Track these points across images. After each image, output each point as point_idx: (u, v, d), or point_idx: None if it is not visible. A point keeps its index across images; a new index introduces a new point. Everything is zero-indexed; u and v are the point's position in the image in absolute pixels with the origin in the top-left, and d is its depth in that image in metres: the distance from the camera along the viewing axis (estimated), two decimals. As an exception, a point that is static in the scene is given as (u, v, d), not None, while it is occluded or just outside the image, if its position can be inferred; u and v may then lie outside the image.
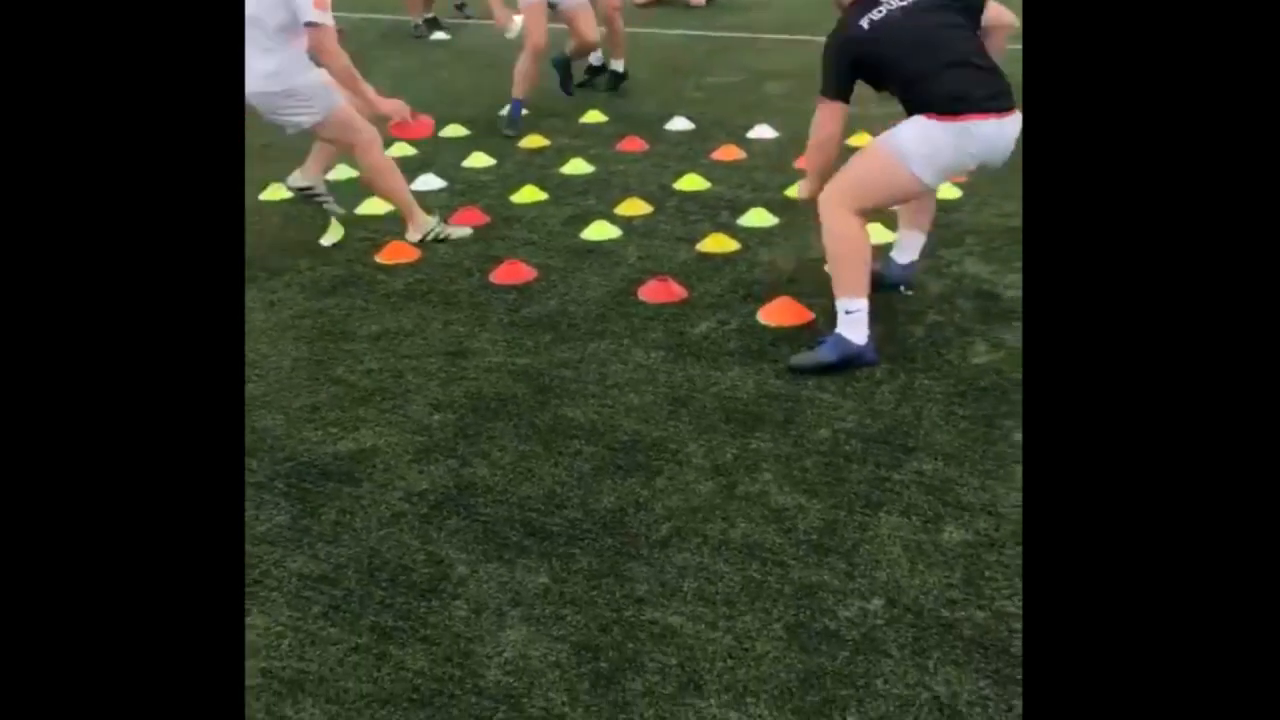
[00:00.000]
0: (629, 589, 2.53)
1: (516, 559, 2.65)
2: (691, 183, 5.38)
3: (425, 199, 5.39)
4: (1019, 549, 2.58)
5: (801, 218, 4.87)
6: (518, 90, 6.64)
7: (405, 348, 3.80)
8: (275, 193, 5.50)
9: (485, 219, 5.01)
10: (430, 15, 9.98)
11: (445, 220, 4.91)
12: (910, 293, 4.02)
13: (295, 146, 5.12)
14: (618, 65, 7.72)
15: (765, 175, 5.52)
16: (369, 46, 9.57)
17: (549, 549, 2.68)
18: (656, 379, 3.49)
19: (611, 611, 2.46)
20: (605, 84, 7.66)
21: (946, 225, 4.66)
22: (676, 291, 4.09)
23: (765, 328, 3.80)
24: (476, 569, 2.62)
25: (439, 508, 2.87)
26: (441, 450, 3.14)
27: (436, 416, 3.33)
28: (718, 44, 9.06)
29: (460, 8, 10.37)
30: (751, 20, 9.99)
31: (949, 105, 3.38)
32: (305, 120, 4.54)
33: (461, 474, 3.02)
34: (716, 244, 4.54)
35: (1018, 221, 4.53)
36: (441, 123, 6.74)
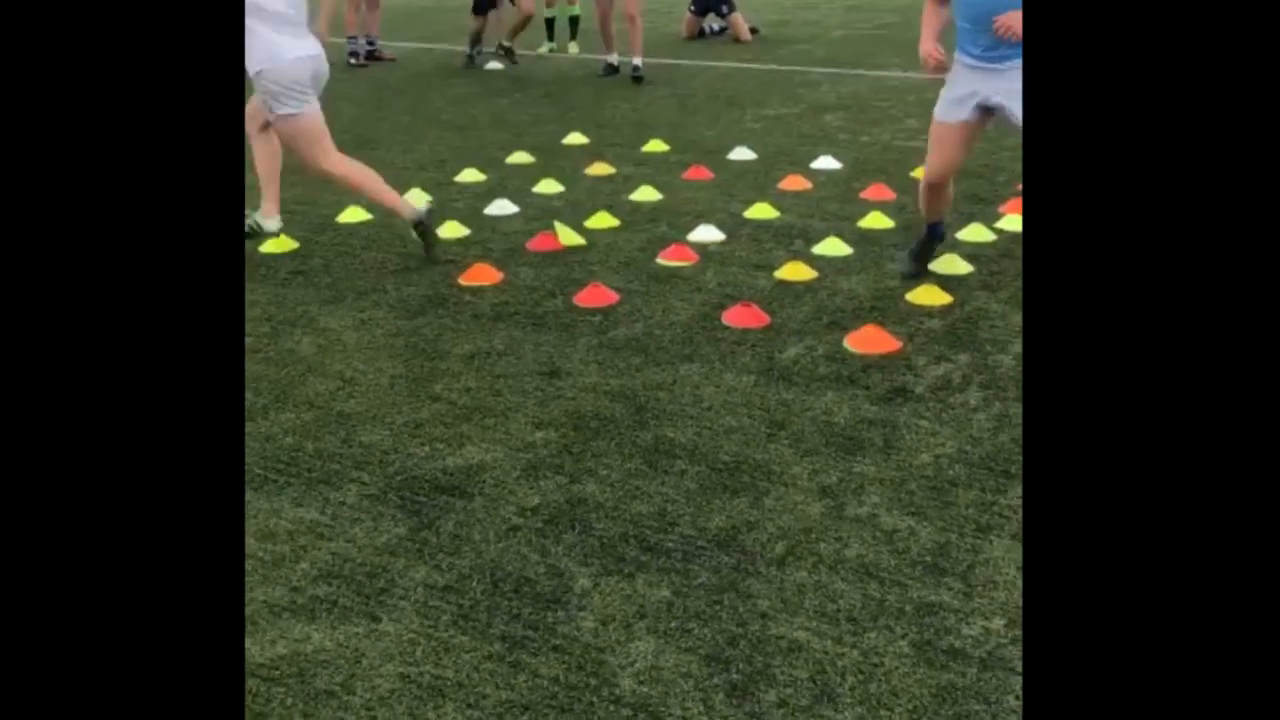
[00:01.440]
0: (751, 605, 2.59)
1: (636, 573, 2.72)
2: (762, 211, 5.47)
3: (499, 223, 5.51)
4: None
5: (875, 249, 4.95)
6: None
7: (499, 367, 3.88)
8: (353, 214, 5.62)
9: (560, 244, 5.10)
10: (508, 44, 10.07)
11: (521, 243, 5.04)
12: None
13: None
14: (637, 60, 9.15)
15: (835, 205, 5.61)
16: (426, 75, 9.75)
17: (667, 565, 2.75)
18: (751, 402, 3.56)
19: (736, 626, 2.52)
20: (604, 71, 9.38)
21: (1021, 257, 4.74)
22: (761, 317, 4.16)
23: (853, 354, 3.87)
24: (598, 582, 2.69)
25: (553, 522, 2.94)
26: (549, 467, 3.21)
27: (539, 434, 3.40)
28: (770, 77, 9.18)
29: (508, 52, 10.32)
30: (799, 54, 10.13)
31: None
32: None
33: (571, 490, 3.09)
34: (794, 272, 4.62)
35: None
36: (507, 149, 6.89)
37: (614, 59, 9.47)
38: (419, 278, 4.80)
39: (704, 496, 3.04)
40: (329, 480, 3.19)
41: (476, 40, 10.04)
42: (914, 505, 2.96)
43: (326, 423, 3.53)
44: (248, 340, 4.17)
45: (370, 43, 10.28)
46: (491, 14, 9.98)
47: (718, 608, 2.58)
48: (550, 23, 10.71)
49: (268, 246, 5.21)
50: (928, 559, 2.74)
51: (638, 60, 9.15)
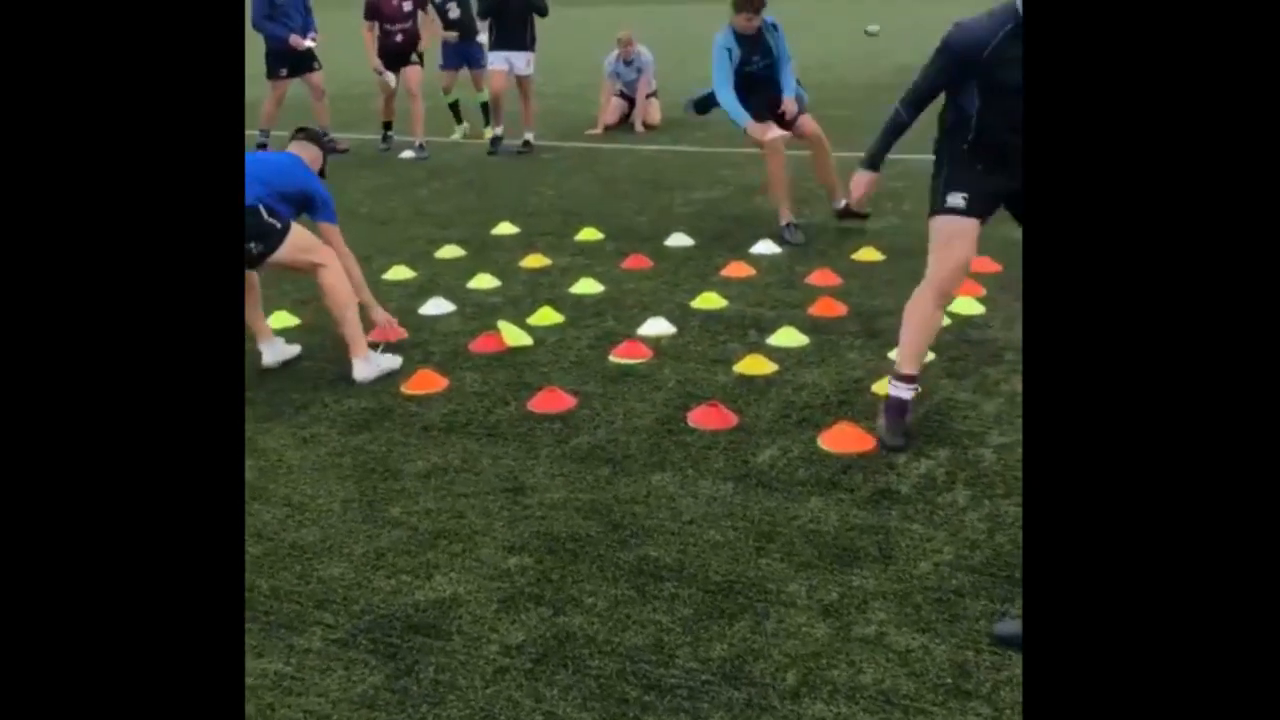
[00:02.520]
0: (772, 747, 2.40)
1: (642, 716, 2.51)
2: (709, 301, 5.35)
3: (436, 323, 5.31)
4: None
5: (831, 337, 4.86)
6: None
7: (459, 485, 3.66)
8: (280, 319, 5.36)
9: (505, 345, 4.91)
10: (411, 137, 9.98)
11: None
12: None
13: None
14: (529, 135, 9.82)
15: (781, 292, 5.53)
16: (337, 166, 9.53)
17: (674, 704, 2.54)
18: (733, 513, 3.39)
19: (761, 774, 2.33)
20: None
21: (981, 343, 4.68)
22: (728, 417, 4.02)
23: (829, 454, 3.74)
24: (602, 730, 2.48)
25: (543, 662, 2.72)
26: (528, 597, 2.99)
27: (513, 560, 3.18)
28: (691, 159, 9.17)
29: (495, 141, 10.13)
30: (716, 135, 10.16)
31: None
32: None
33: (557, 623, 2.87)
34: (754, 365, 4.49)
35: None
36: (434, 243, 6.71)
37: (500, 130, 10.02)
38: (358, 388, 4.56)
39: (701, 623, 2.85)
40: (290, 624, 2.93)
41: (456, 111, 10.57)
42: (922, 621, 2.81)
43: (279, 556, 3.26)
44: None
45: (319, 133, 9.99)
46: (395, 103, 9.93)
47: (737, 753, 2.39)
48: (455, 106, 10.65)
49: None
50: (948, 681, 2.58)
51: (529, 134, 9.94)
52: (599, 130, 10.66)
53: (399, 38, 9.81)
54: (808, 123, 6.51)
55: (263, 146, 9.81)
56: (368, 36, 9.86)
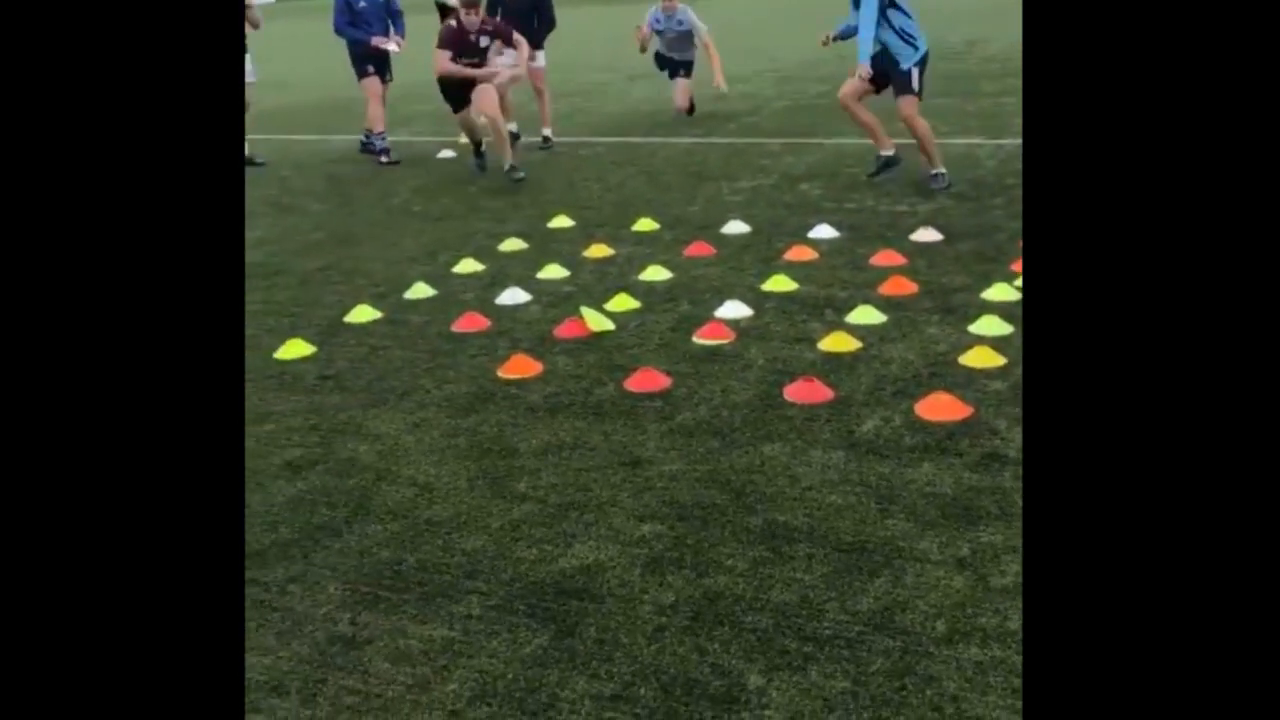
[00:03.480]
0: (938, 688, 2.53)
1: (806, 665, 2.65)
2: (780, 284, 5.49)
3: (516, 313, 5.45)
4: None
5: (909, 314, 5.00)
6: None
7: (577, 460, 3.80)
8: (362, 314, 5.50)
9: (588, 330, 5.05)
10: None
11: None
12: None
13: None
14: (546, 131, 9.99)
15: (849, 273, 5.67)
16: (380, 167, 9.65)
17: (834, 653, 2.68)
18: (849, 479, 3.53)
19: (933, 711, 2.46)
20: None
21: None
22: (824, 391, 4.15)
23: (931, 423, 3.88)
24: (770, 678, 2.61)
25: (699, 619, 2.86)
26: (669, 562, 3.13)
27: (646, 528, 3.32)
28: (729, 150, 9.30)
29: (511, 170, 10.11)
30: (749, 127, 10.29)
31: None
32: None
33: (703, 584, 3.01)
34: (839, 343, 4.63)
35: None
36: (495, 237, 6.84)
37: (514, 126, 10.02)
38: (454, 374, 4.70)
39: (841, 579, 2.99)
40: (445, 594, 3.06)
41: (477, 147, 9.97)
42: (1056, 571, 2.95)
43: (417, 532, 3.40)
44: (300, 452, 4.03)
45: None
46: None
47: (905, 693, 2.52)
48: None
49: (282, 353, 5.06)
50: (1091, 625, 2.72)
51: (547, 130, 10.06)
52: (642, 34, 10.30)
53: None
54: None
55: (377, 149, 9.85)
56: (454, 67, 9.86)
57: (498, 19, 8.98)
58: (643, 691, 2.60)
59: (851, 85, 7.24)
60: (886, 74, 7.12)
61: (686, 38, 10.37)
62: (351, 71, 9.90)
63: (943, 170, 7.27)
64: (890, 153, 7.47)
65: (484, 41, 8.52)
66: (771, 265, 5.87)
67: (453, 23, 8.39)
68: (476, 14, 8.39)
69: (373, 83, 9.72)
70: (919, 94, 7.10)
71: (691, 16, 10.30)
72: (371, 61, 9.68)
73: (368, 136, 10.02)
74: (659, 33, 10.43)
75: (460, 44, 8.36)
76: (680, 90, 10.63)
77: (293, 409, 4.45)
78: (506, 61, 8.88)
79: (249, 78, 9.49)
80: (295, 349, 5.08)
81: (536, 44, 9.65)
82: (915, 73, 7.05)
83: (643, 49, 10.44)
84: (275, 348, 5.12)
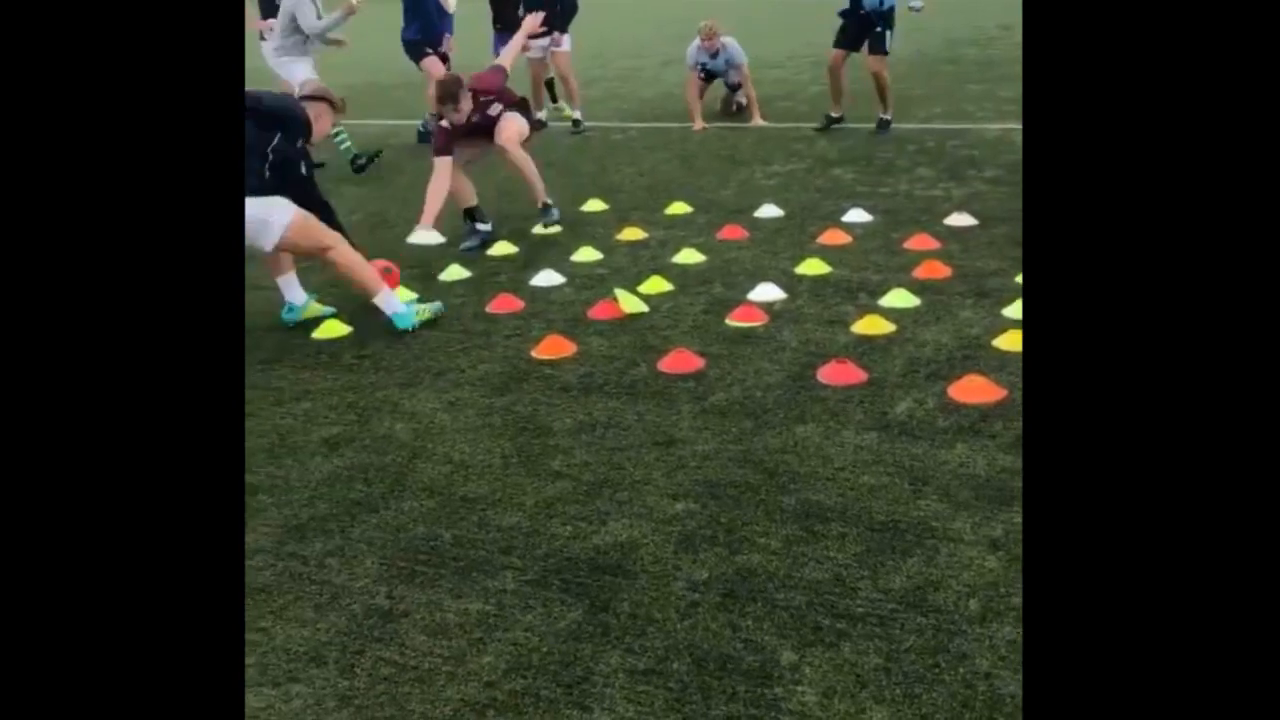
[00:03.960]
0: (970, 665, 2.54)
1: (839, 642, 2.66)
2: (814, 267, 5.49)
3: (549, 294, 5.47)
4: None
5: (943, 297, 4.99)
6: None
7: (610, 439, 3.82)
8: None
9: (622, 312, 5.07)
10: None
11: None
12: None
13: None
14: (577, 114, 10.07)
15: (882, 257, 5.66)
16: (418, 151, 9.69)
17: (867, 631, 2.70)
18: (882, 459, 3.53)
19: (964, 688, 2.47)
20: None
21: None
22: (858, 373, 4.15)
23: (964, 405, 3.87)
24: (804, 654, 2.63)
25: (731, 596, 2.88)
26: (703, 539, 3.15)
27: (679, 506, 3.34)
28: (763, 134, 9.28)
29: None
30: (784, 111, 10.26)
31: None
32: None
33: (735, 561, 3.03)
34: (872, 326, 4.63)
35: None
36: (529, 220, 6.86)
37: (544, 115, 10.18)
38: (489, 353, 4.73)
39: (874, 558, 3.00)
40: (480, 569, 3.10)
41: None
42: (1090, 552, 2.95)
43: (453, 508, 3.44)
44: (338, 430, 4.08)
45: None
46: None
47: (938, 671, 2.53)
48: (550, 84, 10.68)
49: (320, 332, 5.11)
50: (1125, 606, 2.72)
51: (578, 114, 10.14)
52: (698, 128, 9.61)
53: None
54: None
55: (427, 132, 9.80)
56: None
57: (496, 80, 7.91)
58: (676, 666, 2.63)
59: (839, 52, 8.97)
60: (863, 34, 8.77)
61: (735, 70, 9.92)
62: (405, 57, 9.82)
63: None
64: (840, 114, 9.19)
65: (494, 111, 6.59)
66: (805, 249, 5.87)
67: (444, 124, 6.39)
68: (462, 106, 6.30)
69: (433, 63, 9.62)
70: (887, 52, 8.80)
71: (735, 51, 9.69)
72: (430, 42, 9.57)
73: (426, 124, 9.90)
74: (708, 73, 9.87)
75: (461, 140, 6.48)
76: (729, 96, 10.51)
77: (330, 387, 4.50)
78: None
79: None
80: (332, 328, 5.13)
81: (560, 29, 9.66)
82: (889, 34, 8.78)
83: (700, 95, 9.92)
84: (313, 327, 5.17)
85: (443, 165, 6.33)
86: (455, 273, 5.83)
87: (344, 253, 5.01)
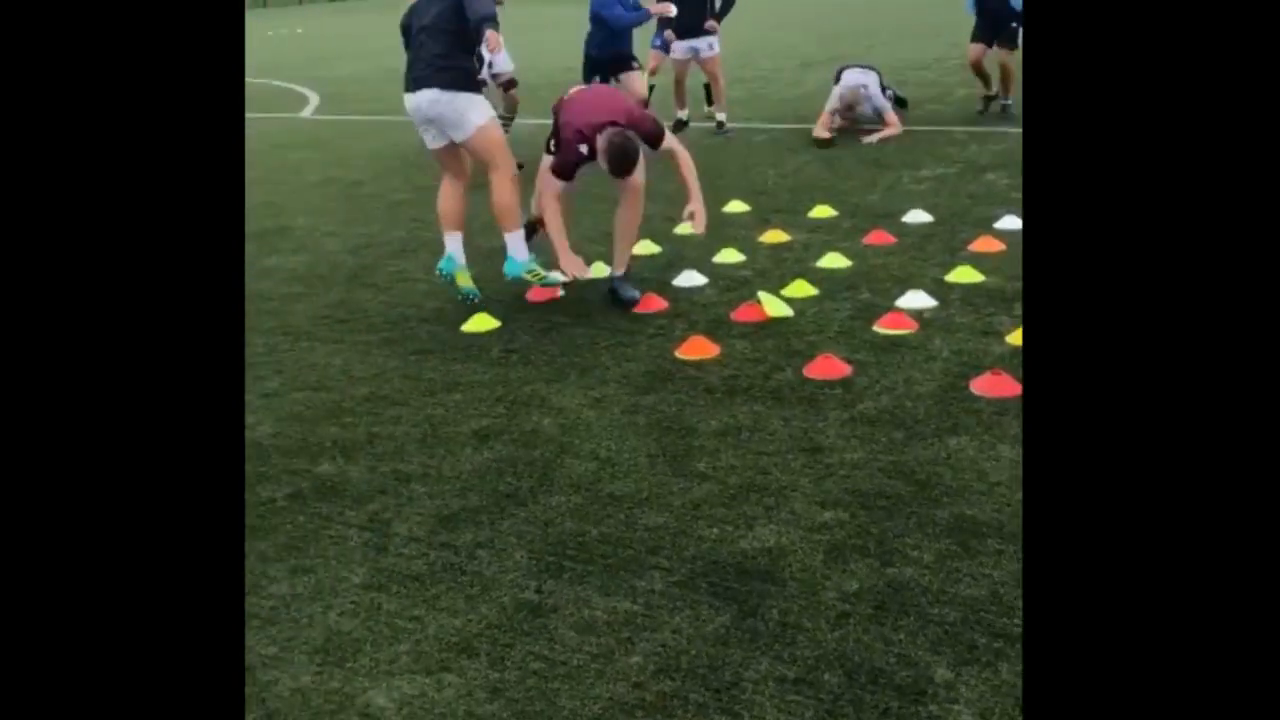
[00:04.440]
0: (1138, 695, 2.45)
1: (996, 661, 2.59)
2: (965, 275, 5.36)
3: (692, 295, 5.47)
4: None
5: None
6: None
7: (756, 444, 3.80)
8: (483, 323, 5.60)
9: (766, 315, 5.03)
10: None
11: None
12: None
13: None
14: (721, 115, 9.95)
15: (1037, 267, 5.49)
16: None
17: (1026, 652, 2.62)
18: (1039, 475, 3.43)
19: (1132, 719, 2.38)
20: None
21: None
22: (1013, 386, 4.04)
23: (1127, 422, 3.73)
24: (959, 672, 2.56)
25: (883, 608, 2.83)
26: (852, 549, 3.10)
27: (828, 514, 3.30)
28: (911, 138, 9.11)
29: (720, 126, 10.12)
30: (931, 114, 10.06)
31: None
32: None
33: (887, 573, 2.97)
34: (1027, 337, 4.49)
35: None
36: (670, 220, 6.87)
37: (684, 114, 10.14)
38: (633, 351, 4.75)
39: (1033, 578, 2.91)
40: (627, 568, 3.11)
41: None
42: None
43: (600, 505, 3.46)
44: (487, 422, 4.14)
45: None
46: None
47: (1102, 699, 2.44)
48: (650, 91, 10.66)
49: (469, 325, 5.20)
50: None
51: (722, 115, 10.03)
52: (826, 136, 9.12)
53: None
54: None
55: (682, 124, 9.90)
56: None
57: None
58: (827, 677, 2.59)
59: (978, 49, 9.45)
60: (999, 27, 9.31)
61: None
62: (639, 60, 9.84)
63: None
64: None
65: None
66: (956, 256, 5.74)
67: (583, 149, 5.23)
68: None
69: (634, 78, 9.44)
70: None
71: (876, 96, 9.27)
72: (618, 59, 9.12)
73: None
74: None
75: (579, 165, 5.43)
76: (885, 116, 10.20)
77: (479, 380, 4.57)
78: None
79: (504, 66, 9.48)
80: (481, 322, 5.22)
81: (717, 18, 9.63)
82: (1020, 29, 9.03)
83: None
84: (462, 320, 5.26)
85: (563, 195, 5.50)
86: (600, 270, 5.87)
87: (505, 179, 5.31)
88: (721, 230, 6.61)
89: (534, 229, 5.81)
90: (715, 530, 3.26)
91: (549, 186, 5.34)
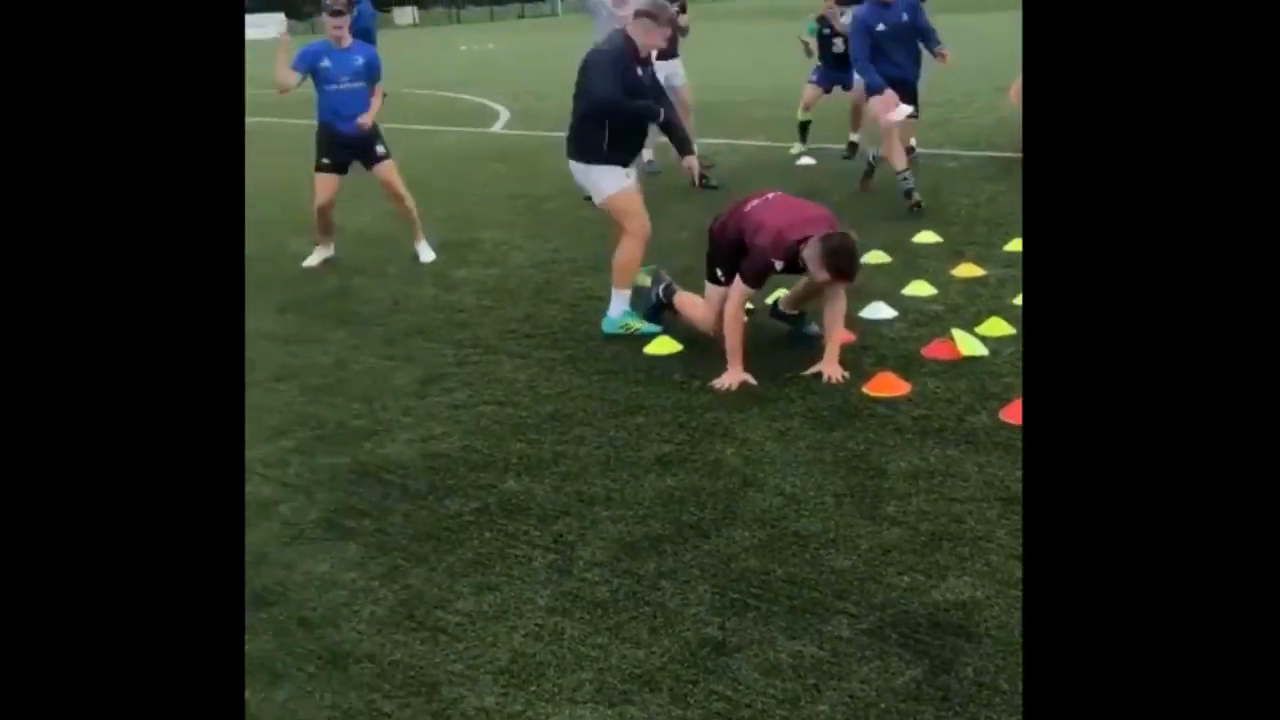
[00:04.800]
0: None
1: (1215, 748, 2.42)
2: (1174, 321, 5.08)
3: (880, 328, 5.34)
4: None
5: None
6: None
7: (949, 489, 3.66)
8: (666, 345, 5.56)
9: (959, 353, 4.87)
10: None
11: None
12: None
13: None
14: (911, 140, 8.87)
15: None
16: (737, 172, 9.74)
17: (1248, 740, 2.43)
18: (1261, 544, 3.20)
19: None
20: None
21: None
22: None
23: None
24: (1173, 755, 2.40)
25: (1087, 677, 2.67)
26: (1053, 609, 2.95)
27: (1026, 570, 3.15)
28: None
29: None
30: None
31: None
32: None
33: (1091, 639, 2.82)
34: (1245, 391, 4.22)
35: None
36: (860, 248, 6.73)
37: (855, 137, 10.04)
38: (819, 384, 4.66)
39: (1255, 657, 2.71)
40: (814, 611, 3.03)
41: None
42: None
43: (785, 543, 3.39)
44: (670, 449, 4.12)
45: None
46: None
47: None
48: (804, 126, 10.49)
49: (652, 348, 5.21)
50: None
51: (912, 140, 9.39)
52: None
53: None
54: None
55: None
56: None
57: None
58: (1026, 746, 2.46)
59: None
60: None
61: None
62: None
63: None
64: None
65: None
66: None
67: (778, 264, 4.82)
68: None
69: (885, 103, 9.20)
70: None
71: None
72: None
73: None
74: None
75: None
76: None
77: (662, 404, 4.57)
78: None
79: (678, 81, 9.50)
80: (664, 345, 5.22)
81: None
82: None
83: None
84: (645, 341, 5.28)
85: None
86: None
87: (633, 244, 5.51)
88: (911, 261, 6.46)
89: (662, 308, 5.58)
90: (906, 578, 3.16)
91: (736, 297, 4.85)
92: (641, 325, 5.49)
